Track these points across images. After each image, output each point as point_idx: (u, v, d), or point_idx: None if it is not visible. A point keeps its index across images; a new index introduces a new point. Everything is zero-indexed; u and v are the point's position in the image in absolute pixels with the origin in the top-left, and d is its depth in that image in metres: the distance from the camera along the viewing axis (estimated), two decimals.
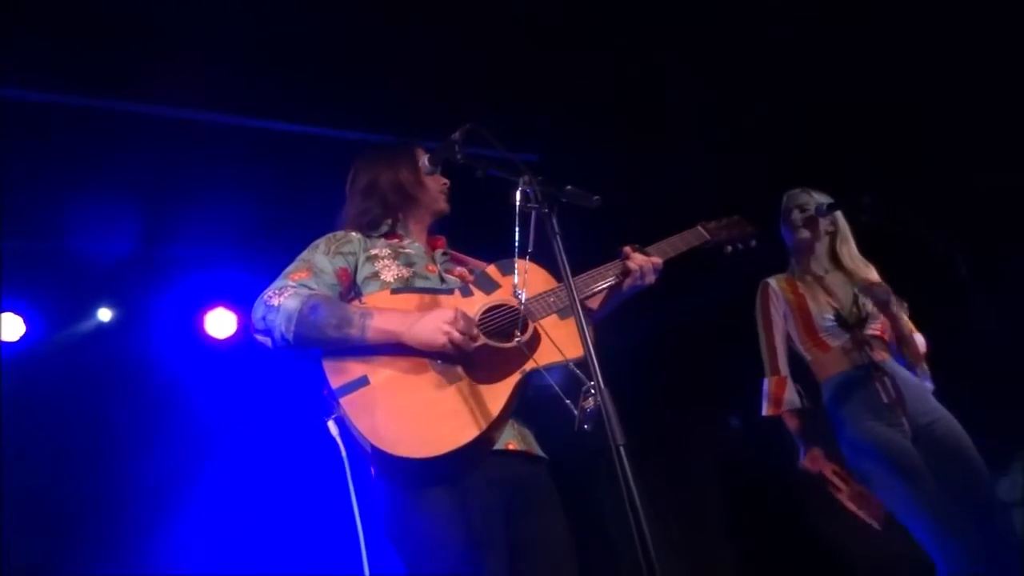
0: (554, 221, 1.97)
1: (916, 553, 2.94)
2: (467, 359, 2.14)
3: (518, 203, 1.99)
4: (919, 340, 3.25)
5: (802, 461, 3.19)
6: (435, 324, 2.08)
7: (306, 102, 4.20)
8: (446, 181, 2.58)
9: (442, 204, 2.57)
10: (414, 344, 2.09)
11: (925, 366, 3.22)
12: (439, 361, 2.14)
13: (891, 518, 2.98)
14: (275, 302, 2.16)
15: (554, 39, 4.04)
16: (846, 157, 4.16)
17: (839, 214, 3.39)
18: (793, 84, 4.19)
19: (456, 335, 2.06)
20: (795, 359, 3.37)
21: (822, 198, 3.39)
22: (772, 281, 3.42)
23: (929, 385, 3.19)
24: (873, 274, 3.37)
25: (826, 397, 3.23)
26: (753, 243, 3.00)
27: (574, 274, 1.97)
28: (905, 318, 3.24)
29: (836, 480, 3.09)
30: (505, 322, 2.22)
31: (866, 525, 3.06)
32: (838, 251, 3.40)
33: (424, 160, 2.40)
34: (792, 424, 3.24)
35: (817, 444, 3.17)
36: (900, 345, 3.23)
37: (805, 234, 3.39)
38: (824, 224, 3.38)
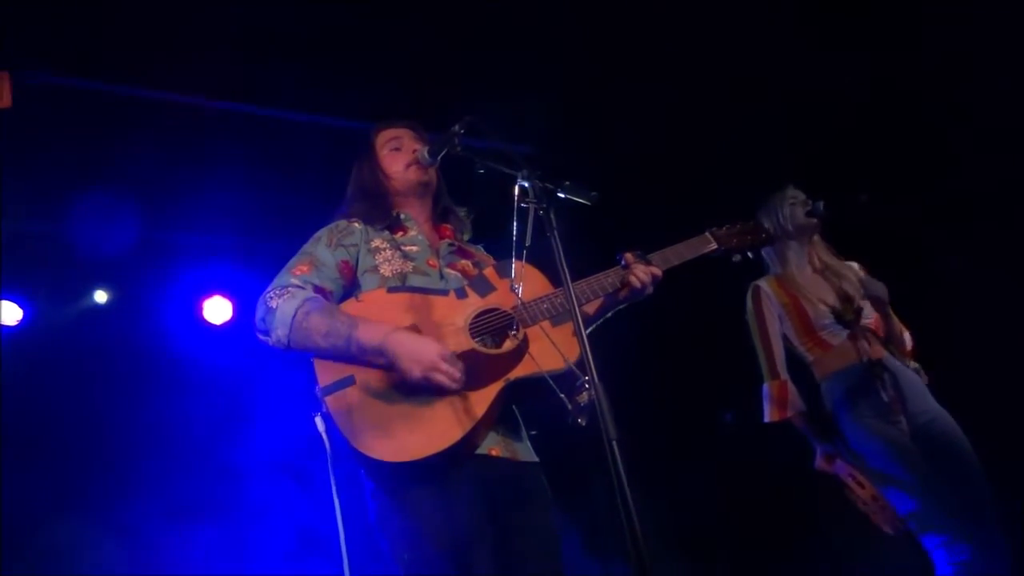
0: (552, 217, 1.96)
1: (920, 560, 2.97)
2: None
3: (516, 198, 2.00)
4: (907, 338, 3.28)
5: (817, 463, 3.19)
6: (417, 361, 2.05)
7: (307, 89, 4.19)
8: (415, 148, 2.49)
9: (412, 177, 2.49)
10: (394, 367, 2.08)
11: (915, 363, 3.24)
12: None
13: (905, 525, 2.99)
14: (273, 304, 2.18)
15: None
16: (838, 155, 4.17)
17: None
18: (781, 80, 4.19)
19: (442, 379, 2.05)
20: (791, 361, 3.36)
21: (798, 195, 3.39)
22: (763, 283, 3.39)
23: (923, 378, 3.20)
24: (854, 268, 3.39)
25: (826, 395, 3.23)
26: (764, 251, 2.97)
27: (573, 279, 1.94)
28: (895, 317, 3.26)
29: (852, 483, 3.08)
30: (496, 327, 2.22)
31: (872, 527, 3.08)
32: (816, 249, 3.41)
33: (424, 151, 2.40)
34: (802, 426, 3.23)
35: (830, 445, 3.17)
36: (888, 342, 3.24)
37: (800, 233, 3.37)
38: (813, 225, 3.36)
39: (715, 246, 2.52)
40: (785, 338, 3.35)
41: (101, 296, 4.90)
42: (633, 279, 2.31)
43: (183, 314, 4.93)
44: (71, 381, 4.48)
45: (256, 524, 4.58)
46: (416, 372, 2.05)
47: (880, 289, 3.23)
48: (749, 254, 2.60)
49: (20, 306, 4.59)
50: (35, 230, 4.47)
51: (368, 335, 2.10)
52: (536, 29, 4.01)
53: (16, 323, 4.56)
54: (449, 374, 2.05)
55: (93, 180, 4.31)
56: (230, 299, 5.01)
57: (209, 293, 4.99)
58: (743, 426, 4.95)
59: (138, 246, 4.71)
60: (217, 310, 5.00)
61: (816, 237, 3.42)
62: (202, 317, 4.97)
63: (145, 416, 4.55)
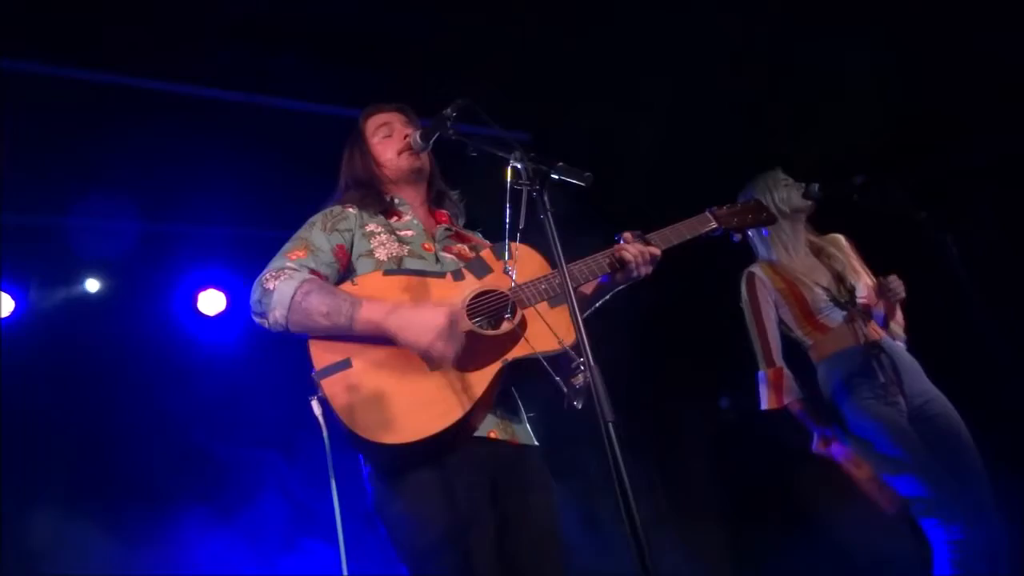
0: (545, 198, 1.95)
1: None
2: None
3: (509, 180, 1.98)
4: (900, 317, 3.31)
5: (815, 445, 3.20)
6: (422, 329, 2.05)
7: (303, 79, 4.16)
8: (407, 132, 2.47)
9: (404, 164, 2.47)
10: (398, 340, 2.08)
11: (905, 338, 3.27)
12: None
13: (904, 506, 3.01)
14: (271, 285, 2.16)
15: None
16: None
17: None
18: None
19: (440, 347, 2.04)
20: (786, 345, 3.36)
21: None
22: (757, 269, 3.38)
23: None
24: (842, 245, 3.40)
25: (824, 377, 3.25)
26: (765, 231, 2.95)
27: (569, 260, 1.94)
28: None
29: (849, 465, 3.11)
30: (493, 309, 2.21)
31: (871, 508, 3.10)
32: (806, 231, 3.42)
33: (416, 136, 2.38)
34: (800, 412, 3.24)
35: (828, 428, 3.19)
36: (888, 319, 3.25)
37: (794, 215, 3.37)
38: (808, 206, 3.36)
39: (715, 225, 2.52)
40: (783, 323, 3.35)
41: (92, 285, 4.87)
42: (625, 254, 2.31)
43: (178, 305, 4.92)
44: (64, 373, 4.46)
45: (250, 508, 4.57)
46: (423, 341, 2.04)
47: (899, 287, 3.22)
48: (749, 233, 2.57)
49: (12, 297, 4.57)
50: (28, 222, 4.45)
51: (371, 312, 2.10)
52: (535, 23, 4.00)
53: (8, 314, 4.54)
54: (455, 339, 2.04)
55: (88, 172, 4.29)
56: (223, 291, 5.00)
57: (204, 286, 4.97)
58: (739, 411, 4.97)
59: (133, 237, 4.69)
60: (211, 302, 5.00)
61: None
62: (196, 309, 4.97)
63: (139, 407, 4.53)
